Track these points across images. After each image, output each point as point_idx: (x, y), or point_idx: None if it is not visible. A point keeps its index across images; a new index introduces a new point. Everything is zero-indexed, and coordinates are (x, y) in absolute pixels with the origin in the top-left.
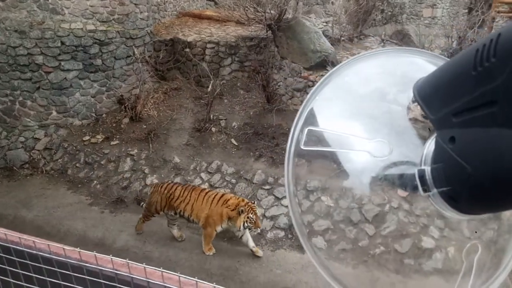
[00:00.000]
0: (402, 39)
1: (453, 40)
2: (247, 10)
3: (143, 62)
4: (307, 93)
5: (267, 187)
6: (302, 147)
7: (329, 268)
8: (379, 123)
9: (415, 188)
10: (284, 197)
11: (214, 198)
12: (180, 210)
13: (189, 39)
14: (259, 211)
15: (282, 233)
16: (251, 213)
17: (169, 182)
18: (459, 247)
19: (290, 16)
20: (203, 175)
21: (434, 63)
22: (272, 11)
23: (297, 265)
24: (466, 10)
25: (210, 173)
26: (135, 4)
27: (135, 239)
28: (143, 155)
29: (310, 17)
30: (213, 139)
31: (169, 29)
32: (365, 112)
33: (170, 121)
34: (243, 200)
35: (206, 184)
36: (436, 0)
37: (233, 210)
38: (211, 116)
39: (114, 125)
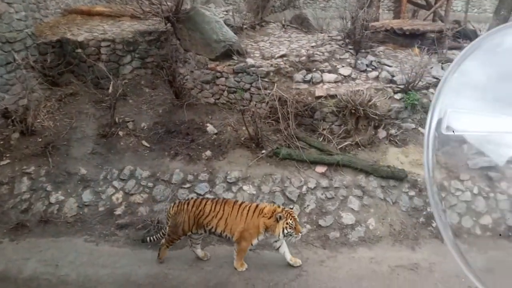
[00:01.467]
0: (302, 23)
1: (347, 20)
2: (141, 3)
3: (27, 68)
4: (217, 85)
5: (187, 185)
6: (443, 132)
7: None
8: None
9: None
10: (207, 192)
11: (249, 209)
12: (212, 227)
13: (80, 38)
14: None
15: None
16: (290, 219)
17: (195, 198)
18: (378, 213)
19: (188, 6)
20: (115, 183)
21: None
22: (168, 3)
23: (228, 258)
24: None
25: (123, 180)
26: (7, 3)
27: (45, 265)
28: (43, 171)
29: (209, 7)
30: (122, 143)
31: (54, 29)
32: None
33: (70, 130)
34: (278, 207)
35: (121, 192)
36: None
37: (270, 218)
38: (117, 120)
39: (1, 142)
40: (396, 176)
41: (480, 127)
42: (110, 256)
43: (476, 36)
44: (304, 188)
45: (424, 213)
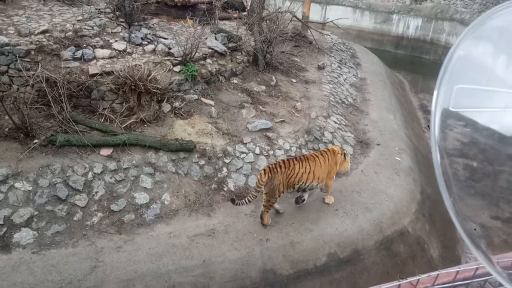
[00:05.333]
0: None
1: None
2: None
3: None
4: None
5: None
6: (451, 108)
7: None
8: None
9: None
10: None
11: (326, 154)
12: (303, 183)
13: None
14: None
15: None
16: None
17: (282, 160)
18: (172, 188)
19: None
20: None
21: None
22: None
23: (5, 268)
24: None
25: None
26: None
27: None
28: None
29: None
30: None
31: None
32: None
33: None
34: (337, 146)
35: None
36: None
37: (341, 154)
38: None
39: None
40: (185, 148)
41: (487, 104)
42: None
43: (243, 6)
44: (90, 175)
45: (216, 179)
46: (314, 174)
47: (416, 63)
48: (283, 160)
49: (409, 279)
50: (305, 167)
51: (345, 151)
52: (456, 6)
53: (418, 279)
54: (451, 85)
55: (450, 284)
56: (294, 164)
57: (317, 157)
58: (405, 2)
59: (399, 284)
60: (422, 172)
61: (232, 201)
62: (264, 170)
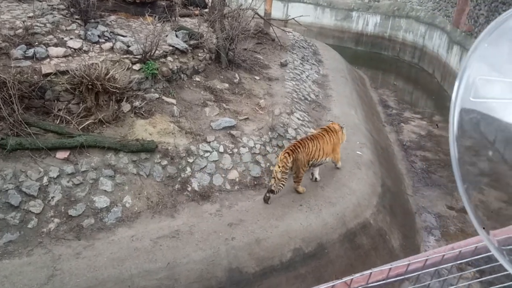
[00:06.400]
0: None
1: None
2: None
3: None
4: None
5: None
6: (471, 99)
7: None
8: None
9: None
10: None
11: (329, 131)
12: (315, 159)
13: None
14: None
15: None
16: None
17: (296, 142)
18: (133, 190)
19: None
20: None
21: None
22: None
23: None
24: None
25: None
26: None
27: None
28: None
29: None
30: None
31: None
32: None
33: None
34: (332, 122)
35: None
36: None
37: (340, 129)
38: None
39: None
40: (146, 148)
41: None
42: None
43: (205, 3)
44: (46, 179)
45: (179, 179)
46: (323, 151)
47: (375, 59)
48: (298, 141)
49: (344, 279)
50: (317, 145)
51: (342, 126)
52: (412, 3)
53: (352, 279)
54: (473, 76)
55: (383, 281)
56: (308, 143)
57: (324, 135)
58: None
59: (333, 285)
60: (382, 165)
61: (266, 199)
62: (288, 153)
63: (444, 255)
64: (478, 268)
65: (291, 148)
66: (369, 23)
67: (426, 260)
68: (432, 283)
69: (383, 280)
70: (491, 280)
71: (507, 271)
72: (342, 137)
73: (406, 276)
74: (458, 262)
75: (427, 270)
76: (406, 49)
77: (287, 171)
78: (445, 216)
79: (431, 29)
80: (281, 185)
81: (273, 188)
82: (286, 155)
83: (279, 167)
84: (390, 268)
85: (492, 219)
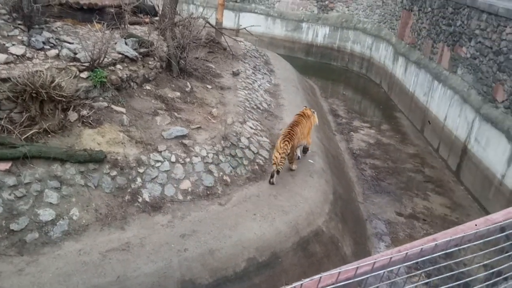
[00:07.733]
0: None
1: None
2: None
3: None
4: None
5: None
6: None
7: None
8: None
9: None
10: None
11: (304, 116)
12: (299, 142)
13: None
14: None
15: None
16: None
17: (289, 130)
18: (80, 201)
19: None
20: None
21: None
22: None
23: None
24: None
25: None
26: None
27: None
28: None
29: None
30: None
31: None
32: None
33: None
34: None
35: None
36: None
37: (312, 114)
38: None
39: None
40: (94, 159)
41: None
42: None
43: (155, 11)
44: None
45: (129, 190)
46: (303, 134)
47: (325, 69)
48: (290, 129)
49: (293, 284)
50: (300, 129)
51: (313, 111)
52: (359, 16)
53: (301, 284)
54: None
55: (333, 286)
56: (296, 129)
57: (302, 120)
58: (313, 11)
59: None
60: (333, 173)
61: (272, 182)
62: (287, 141)
63: (391, 258)
64: (424, 270)
65: (288, 136)
66: (319, 34)
67: (374, 263)
68: (381, 286)
69: (332, 284)
70: (437, 282)
71: (451, 271)
72: (314, 120)
73: (355, 279)
74: (405, 264)
75: (376, 273)
76: (354, 60)
77: (286, 156)
78: (394, 223)
79: (378, 41)
80: (281, 167)
81: (278, 169)
82: (286, 142)
83: (279, 153)
84: (339, 272)
85: None
